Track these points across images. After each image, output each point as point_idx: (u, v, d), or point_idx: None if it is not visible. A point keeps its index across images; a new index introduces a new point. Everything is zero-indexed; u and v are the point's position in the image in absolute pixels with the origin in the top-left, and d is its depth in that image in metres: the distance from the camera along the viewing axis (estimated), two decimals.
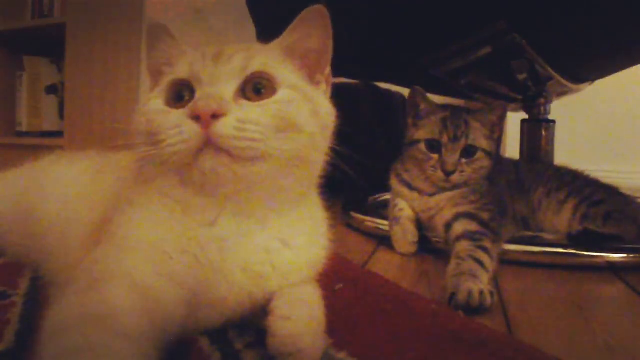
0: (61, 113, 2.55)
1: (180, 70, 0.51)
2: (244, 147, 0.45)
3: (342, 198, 1.42)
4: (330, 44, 0.56)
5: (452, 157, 0.95)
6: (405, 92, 1.92)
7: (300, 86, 0.52)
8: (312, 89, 0.55)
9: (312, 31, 0.55)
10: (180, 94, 0.50)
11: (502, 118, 1.01)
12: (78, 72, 2.35)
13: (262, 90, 0.49)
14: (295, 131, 0.48)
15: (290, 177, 0.51)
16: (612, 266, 0.91)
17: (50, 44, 2.40)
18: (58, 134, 2.48)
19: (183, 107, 0.48)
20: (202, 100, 0.45)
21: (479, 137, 0.97)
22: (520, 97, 1.39)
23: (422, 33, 1.20)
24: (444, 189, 0.98)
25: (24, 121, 2.53)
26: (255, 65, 0.50)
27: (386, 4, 1.13)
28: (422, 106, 1.01)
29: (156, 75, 0.56)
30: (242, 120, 0.45)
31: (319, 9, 0.54)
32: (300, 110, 0.49)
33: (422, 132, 0.99)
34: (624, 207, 1.03)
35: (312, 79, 0.56)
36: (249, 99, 0.48)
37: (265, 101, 0.48)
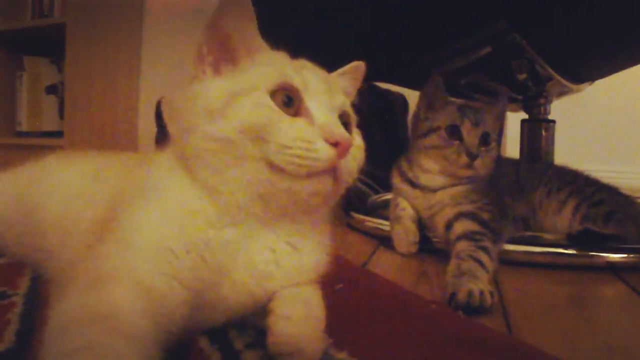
0: (61, 113, 2.55)
1: (292, 77, 0.50)
2: (349, 180, 0.51)
3: (342, 198, 1.42)
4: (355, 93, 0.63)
5: (474, 141, 0.95)
6: (406, 92, 1.92)
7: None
8: None
9: (352, 83, 0.62)
10: (290, 100, 0.49)
11: (505, 110, 1.04)
12: (78, 72, 2.35)
13: (348, 127, 0.53)
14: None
15: None
16: (612, 266, 0.91)
17: (50, 44, 2.41)
18: (58, 134, 2.48)
19: (291, 114, 0.48)
20: (339, 131, 0.48)
21: (490, 127, 0.98)
22: (520, 97, 1.39)
23: (423, 33, 1.20)
24: (453, 184, 0.98)
25: (24, 121, 2.54)
26: (345, 104, 0.54)
27: (387, 4, 1.13)
28: (440, 96, 1.01)
29: (221, 48, 0.52)
30: (354, 157, 0.51)
31: (362, 65, 0.62)
32: (359, 162, 0.54)
33: (442, 120, 0.98)
34: (625, 208, 1.02)
35: None
36: None
37: (355, 141, 0.52)
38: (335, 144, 0.46)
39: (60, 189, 0.71)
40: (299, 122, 0.48)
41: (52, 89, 2.58)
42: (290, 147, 0.46)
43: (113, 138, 2.42)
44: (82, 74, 2.37)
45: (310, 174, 0.46)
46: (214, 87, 0.50)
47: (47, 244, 0.66)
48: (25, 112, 2.53)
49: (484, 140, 0.96)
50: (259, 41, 0.53)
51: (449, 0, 1.07)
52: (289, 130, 0.47)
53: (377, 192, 1.46)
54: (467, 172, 0.96)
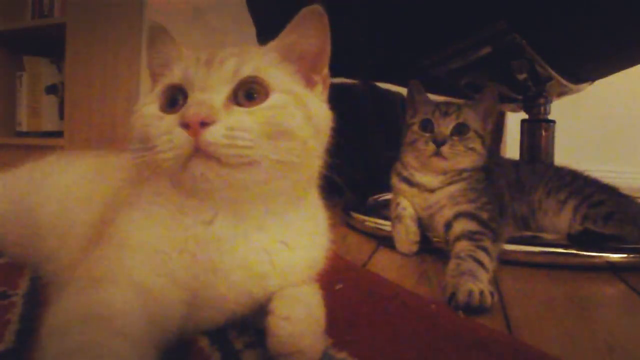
0: (61, 113, 2.55)
1: (175, 75, 0.51)
2: (233, 154, 0.45)
3: (342, 198, 1.42)
4: (328, 44, 0.56)
5: (442, 129, 0.97)
6: (406, 92, 1.92)
7: (294, 90, 0.51)
8: (308, 92, 0.54)
9: (309, 32, 0.54)
10: (175, 99, 0.49)
11: (493, 105, 1.03)
12: (78, 72, 2.35)
13: (254, 95, 0.49)
14: (287, 137, 0.48)
15: (283, 181, 0.50)
16: (612, 266, 0.91)
17: (50, 44, 2.40)
18: (58, 134, 2.48)
19: (176, 112, 0.47)
20: (192, 107, 0.45)
21: (471, 120, 0.99)
22: (520, 97, 1.39)
23: (422, 33, 1.20)
24: (449, 182, 0.98)
25: (24, 121, 2.53)
26: (248, 70, 0.49)
27: (386, 4, 1.13)
28: (418, 97, 1.05)
29: (155, 77, 0.56)
30: (232, 127, 0.45)
31: (316, 9, 0.53)
32: (293, 116, 0.49)
33: (417, 117, 1.02)
34: (625, 208, 1.03)
35: (308, 80, 0.56)
36: (240, 105, 0.48)
37: (257, 107, 0.48)
38: (186, 125, 0.44)
39: (59, 190, 0.71)
40: (167, 118, 0.48)
41: (52, 89, 2.57)
42: (157, 145, 0.46)
43: (113, 138, 2.42)
44: (82, 74, 2.36)
45: (182, 163, 0.45)
46: (139, 105, 0.53)
47: (46, 245, 0.66)
48: (25, 112, 2.53)
49: (458, 130, 0.98)
50: (178, 53, 0.55)
51: (449, 0, 1.07)
52: (156, 130, 0.47)
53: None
54: (439, 162, 0.98)
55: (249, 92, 0.48)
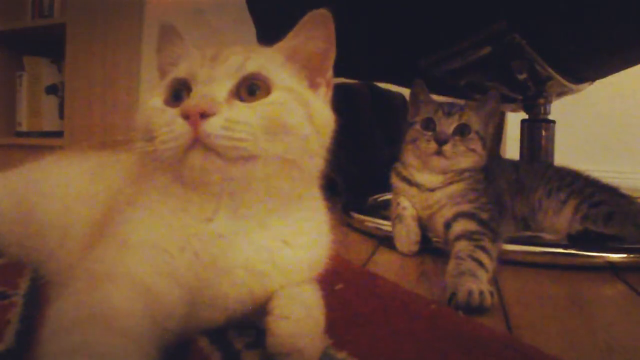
0: (61, 113, 2.55)
1: (180, 70, 0.52)
2: (232, 146, 0.45)
3: (342, 198, 1.42)
4: (333, 47, 0.56)
5: (444, 129, 0.98)
6: (406, 92, 1.92)
7: (296, 89, 0.52)
8: (311, 92, 0.55)
9: (315, 34, 0.55)
10: (179, 92, 0.50)
11: (496, 108, 1.04)
12: (78, 72, 2.35)
13: (256, 91, 0.49)
14: (287, 133, 0.48)
15: (283, 178, 0.50)
16: (612, 266, 0.91)
17: (50, 44, 2.41)
18: (58, 134, 2.48)
19: (180, 105, 0.48)
20: (193, 99, 0.46)
21: (473, 121, 0.99)
22: (520, 97, 1.39)
23: (422, 33, 1.20)
24: (449, 182, 0.98)
25: (24, 121, 2.54)
26: (252, 66, 0.50)
27: (387, 4, 1.13)
28: (421, 96, 1.06)
29: (163, 75, 0.57)
30: (231, 120, 0.45)
31: (323, 12, 0.54)
32: (293, 113, 0.49)
33: (419, 116, 1.03)
34: (625, 208, 1.02)
35: (312, 82, 0.56)
36: (242, 100, 0.49)
37: (258, 102, 0.48)
38: (186, 116, 0.45)
39: (59, 189, 0.71)
40: (169, 110, 0.49)
41: (52, 89, 2.58)
42: (158, 136, 0.47)
43: (113, 138, 2.42)
44: (82, 74, 2.37)
45: (182, 153, 0.46)
46: (145, 105, 0.53)
47: (47, 245, 0.66)
48: (25, 112, 2.53)
49: (460, 131, 0.98)
50: (186, 51, 0.56)
51: (450, 0, 1.07)
52: (158, 122, 0.48)
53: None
54: (439, 161, 0.98)
55: (251, 88, 0.49)
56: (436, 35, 1.20)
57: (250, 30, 1.42)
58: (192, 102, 0.46)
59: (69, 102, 2.37)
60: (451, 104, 1.01)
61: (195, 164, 0.46)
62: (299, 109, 0.50)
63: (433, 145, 0.97)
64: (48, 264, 0.65)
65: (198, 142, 0.45)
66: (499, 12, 1.07)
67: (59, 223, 0.66)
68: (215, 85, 0.48)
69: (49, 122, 2.57)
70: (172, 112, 0.48)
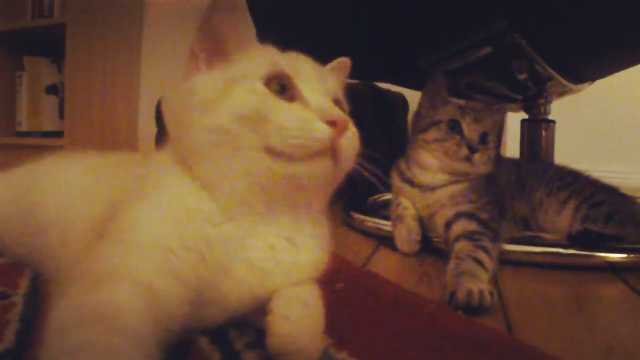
0: (61, 113, 2.55)
1: (284, 66, 0.51)
2: (349, 159, 0.50)
3: (342, 198, 1.42)
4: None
5: (475, 136, 0.97)
6: (406, 92, 1.92)
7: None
8: None
9: (342, 78, 0.63)
10: (284, 87, 0.50)
11: (502, 120, 1.06)
12: (78, 72, 2.35)
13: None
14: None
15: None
16: (612, 266, 0.91)
17: (50, 44, 2.41)
18: (58, 134, 2.48)
19: (286, 101, 0.49)
20: (333, 109, 0.49)
21: (490, 128, 1.00)
22: (520, 97, 1.39)
23: (422, 33, 1.20)
24: (452, 182, 0.98)
25: (24, 121, 2.54)
26: (334, 92, 0.55)
27: (387, 4, 1.13)
28: (443, 93, 1.04)
29: (213, 52, 0.53)
30: (350, 137, 0.50)
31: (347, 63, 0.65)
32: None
33: (442, 115, 1.00)
34: (625, 208, 1.02)
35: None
36: None
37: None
38: (332, 123, 0.46)
39: (60, 188, 0.71)
40: (295, 105, 0.49)
41: (52, 89, 2.58)
42: (288, 129, 0.46)
43: (113, 138, 2.42)
44: (82, 74, 2.37)
45: (310, 156, 0.47)
46: (208, 80, 0.51)
47: (47, 244, 0.66)
48: (25, 112, 2.53)
49: (483, 139, 0.98)
50: (250, 36, 0.55)
51: (450, 0, 1.07)
52: (285, 113, 0.47)
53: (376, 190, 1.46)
54: (467, 167, 0.97)
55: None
56: (436, 35, 1.20)
57: None
58: (335, 112, 0.48)
59: (69, 102, 2.37)
60: (476, 110, 1.00)
61: (318, 168, 0.48)
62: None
63: (465, 151, 0.96)
64: (49, 264, 0.65)
65: (334, 150, 0.47)
66: (499, 12, 1.07)
67: (59, 222, 0.65)
68: (328, 100, 0.51)
69: (49, 122, 2.57)
70: (305, 111, 0.48)
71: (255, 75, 0.50)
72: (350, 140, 0.50)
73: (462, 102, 1.61)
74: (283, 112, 0.47)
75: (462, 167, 0.98)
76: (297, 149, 0.46)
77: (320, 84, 0.52)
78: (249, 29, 0.55)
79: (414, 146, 1.04)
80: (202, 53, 0.53)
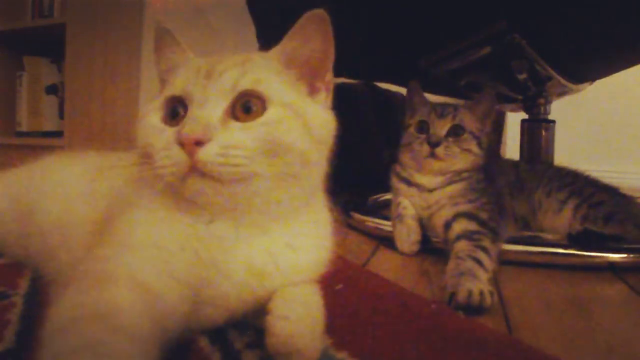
0: (61, 113, 2.55)
1: (176, 87, 0.51)
2: (228, 171, 0.45)
3: (342, 198, 1.42)
4: (331, 49, 0.55)
5: (437, 131, 0.98)
6: (405, 92, 1.92)
7: (293, 102, 0.51)
8: (309, 101, 0.54)
9: (312, 37, 0.53)
10: (176, 110, 0.50)
11: (491, 107, 1.03)
12: (78, 72, 2.35)
13: (252, 108, 0.48)
14: (284, 152, 0.48)
15: (283, 191, 0.50)
16: (612, 266, 0.91)
17: (50, 44, 2.40)
18: (58, 134, 2.48)
19: (177, 124, 0.48)
20: (187, 125, 0.46)
21: (467, 121, 0.99)
22: (520, 97, 1.39)
23: (422, 33, 1.20)
24: (448, 182, 0.98)
25: (24, 121, 2.53)
26: (247, 83, 0.49)
27: (387, 4, 1.13)
28: (416, 99, 1.06)
29: (162, 82, 0.57)
30: (226, 145, 0.45)
31: (319, 13, 0.52)
32: (290, 130, 0.49)
33: (414, 119, 1.04)
34: (625, 208, 1.02)
35: (311, 86, 0.55)
36: (238, 118, 0.48)
37: (253, 122, 0.48)
38: (182, 144, 0.45)
39: (60, 189, 0.71)
40: (167, 132, 0.48)
41: (52, 89, 2.57)
42: (156, 160, 0.47)
43: (113, 138, 2.42)
44: (82, 74, 2.36)
45: (184, 178, 0.46)
46: (143, 122, 0.52)
47: (47, 244, 0.66)
48: (25, 112, 2.53)
49: (454, 132, 0.98)
50: (183, 58, 0.55)
51: (450, 0, 1.07)
52: (157, 144, 0.48)
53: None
54: (434, 163, 0.98)
55: (246, 106, 0.48)
56: (436, 35, 1.20)
57: (250, 30, 1.42)
58: (187, 129, 0.45)
59: (69, 102, 2.36)
60: (444, 105, 1.02)
61: (193, 189, 0.47)
62: (297, 125, 0.49)
63: (426, 148, 0.98)
64: (48, 264, 0.65)
65: (195, 169, 0.45)
66: (499, 12, 1.07)
67: (59, 223, 0.66)
68: (209, 107, 0.47)
69: (49, 122, 2.57)
70: (170, 135, 0.47)
71: (156, 107, 0.52)
72: (227, 149, 0.45)
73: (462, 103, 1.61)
74: (157, 143, 0.48)
75: (431, 164, 0.98)
76: (167, 175, 0.46)
77: (214, 92, 0.48)
78: (183, 51, 0.56)
79: (401, 149, 1.07)
80: (159, 81, 0.57)
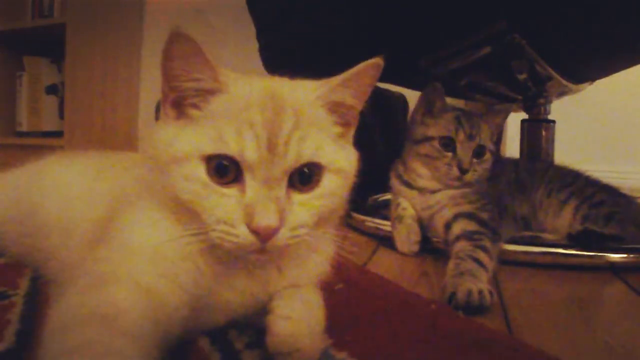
0: (61, 113, 2.55)
1: (229, 146, 0.44)
2: (289, 246, 0.46)
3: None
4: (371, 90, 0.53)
5: (467, 156, 0.96)
6: (406, 92, 1.92)
7: (341, 165, 0.49)
8: (343, 142, 0.53)
9: (364, 85, 0.52)
10: (225, 169, 0.45)
11: (502, 124, 1.04)
12: (78, 72, 2.35)
13: (313, 179, 0.48)
14: (332, 214, 0.51)
15: (315, 232, 0.50)
16: (612, 266, 0.91)
17: (50, 44, 2.41)
18: (58, 134, 2.48)
19: (226, 184, 0.45)
20: (263, 216, 0.43)
21: (486, 138, 0.99)
22: (520, 97, 1.39)
23: (422, 33, 1.20)
24: (448, 187, 0.98)
25: (24, 121, 2.54)
26: (308, 154, 0.46)
27: (387, 4, 1.13)
28: (438, 104, 1.01)
29: (169, 93, 0.48)
30: (295, 227, 0.45)
31: (379, 63, 0.51)
32: (341, 195, 0.51)
33: (436, 129, 0.98)
34: (625, 208, 1.03)
35: (347, 125, 0.54)
36: (294, 187, 0.47)
37: (311, 194, 0.47)
38: (256, 233, 0.43)
39: (60, 189, 0.71)
40: (227, 197, 0.45)
41: (52, 89, 2.58)
42: (214, 230, 0.44)
43: (113, 138, 2.42)
44: (82, 74, 2.37)
45: (246, 252, 0.45)
46: (164, 140, 0.47)
47: (48, 244, 0.66)
48: (25, 112, 2.53)
49: (478, 153, 0.97)
50: (213, 83, 0.47)
51: (450, 0, 1.07)
52: (214, 210, 0.45)
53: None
54: (457, 184, 0.97)
55: (307, 177, 0.47)
56: (436, 35, 1.20)
57: (250, 30, 1.42)
58: (263, 221, 0.43)
59: (69, 102, 2.37)
60: (472, 122, 0.97)
61: (253, 260, 0.47)
62: (343, 186, 0.51)
63: (455, 172, 0.95)
64: (49, 264, 0.65)
65: (264, 250, 0.45)
66: (499, 12, 1.07)
67: (60, 223, 0.65)
68: (277, 187, 0.45)
69: (49, 122, 2.57)
70: (231, 207, 0.44)
71: (197, 153, 0.45)
72: (295, 231, 0.45)
73: (461, 103, 1.61)
74: (212, 207, 0.45)
75: (453, 184, 0.98)
76: (224, 245, 0.44)
77: (280, 168, 0.45)
78: (215, 72, 0.47)
79: (409, 153, 1.04)
80: (169, 95, 0.49)
